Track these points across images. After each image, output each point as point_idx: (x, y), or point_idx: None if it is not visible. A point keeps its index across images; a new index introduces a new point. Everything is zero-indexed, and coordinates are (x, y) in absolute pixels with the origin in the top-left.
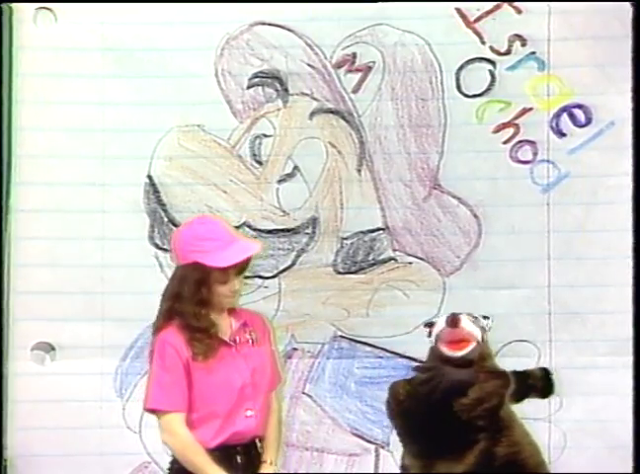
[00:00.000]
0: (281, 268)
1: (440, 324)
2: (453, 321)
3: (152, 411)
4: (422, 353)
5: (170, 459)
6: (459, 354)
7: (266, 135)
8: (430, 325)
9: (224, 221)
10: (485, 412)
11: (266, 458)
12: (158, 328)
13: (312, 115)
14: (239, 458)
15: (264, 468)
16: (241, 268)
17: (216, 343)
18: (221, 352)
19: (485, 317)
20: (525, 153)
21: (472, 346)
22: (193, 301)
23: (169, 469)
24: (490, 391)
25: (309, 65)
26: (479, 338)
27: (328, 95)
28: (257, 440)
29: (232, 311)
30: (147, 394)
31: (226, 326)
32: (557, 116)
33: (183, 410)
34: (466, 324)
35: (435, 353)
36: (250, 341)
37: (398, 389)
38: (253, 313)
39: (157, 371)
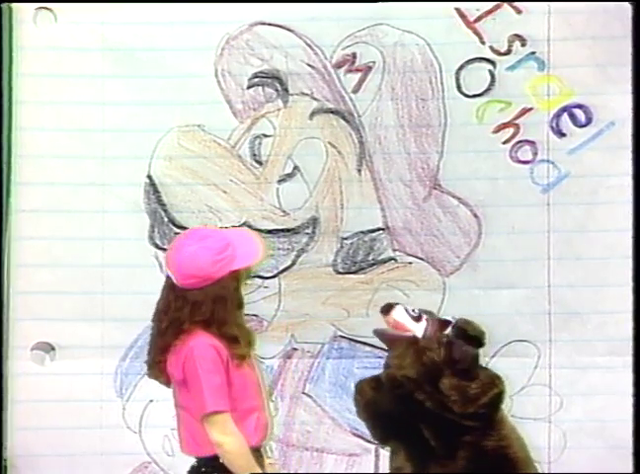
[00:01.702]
0: (281, 268)
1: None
2: (384, 309)
3: (208, 415)
4: None
5: (192, 465)
6: (386, 326)
7: (266, 135)
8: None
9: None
10: (491, 400)
11: (266, 457)
12: (182, 338)
13: (312, 115)
14: (261, 459)
15: (269, 468)
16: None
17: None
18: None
19: (447, 321)
20: (525, 153)
21: (405, 333)
22: (234, 309)
23: None
24: (493, 376)
25: (309, 65)
26: (417, 333)
27: (328, 95)
28: None
29: None
30: (202, 398)
31: None
32: (557, 116)
33: (229, 409)
34: (400, 314)
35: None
36: None
37: (362, 385)
38: None
39: (206, 374)
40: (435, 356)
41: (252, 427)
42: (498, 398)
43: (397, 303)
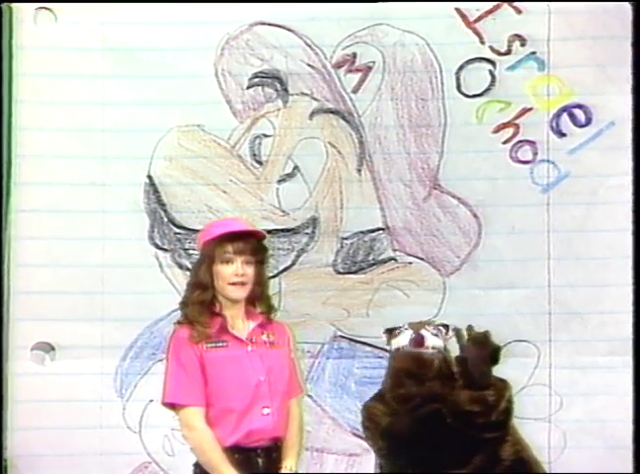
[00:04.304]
0: (281, 268)
1: (404, 340)
2: (418, 342)
3: (171, 405)
4: None
5: (193, 462)
6: (420, 349)
7: (266, 135)
8: (390, 332)
9: (246, 220)
10: (507, 403)
11: (285, 464)
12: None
13: (312, 115)
14: (260, 461)
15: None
16: (244, 249)
17: (225, 337)
18: (235, 348)
19: (444, 325)
20: (525, 153)
21: (434, 350)
22: (189, 285)
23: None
24: (501, 379)
25: (309, 65)
26: (442, 345)
27: (328, 95)
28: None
29: (251, 315)
30: (165, 389)
31: (243, 326)
32: (557, 116)
33: (201, 404)
34: (430, 340)
35: (393, 359)
36: (267, 343)
37: (373, 410)
38: (275, 320)
39: (173, 366)
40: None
41: (229, 428)
42: (511, 401)
43: (422, 328)
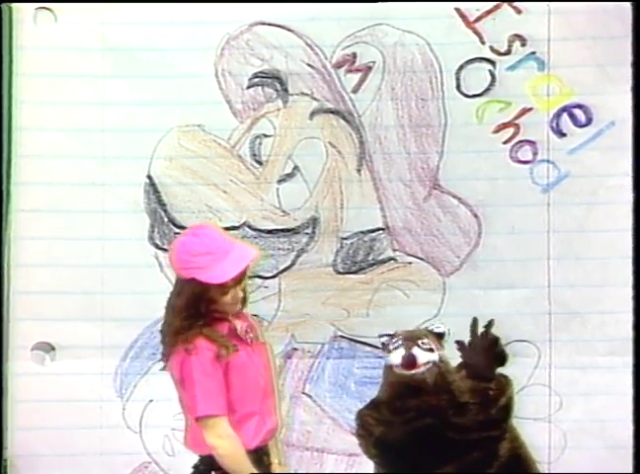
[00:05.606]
0: (281, 268)
1: (396, 359)
2: (409, 364)
3: (201, 418)
4: None
5: (193, 464)
6: (411, 372)
7: (266, 135)
8: (384, 345)
9: (217, 228)
10: (508, 400)
11: (274, 459)
12: (181, 341)
13: (312, 115)
14: (265, 459)
15: (275, 468)
16: (240, 278)
17: (234, 340)
18: (244, 350)
19: (440, 334)
20: (525, 153)
21: (427, 366)
22: (182, 316)
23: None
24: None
25: (309, 65)
26: (436, 359)
27: (328, 95)
28: None
29: (236, 313)
30: (194, 402)
31: (239, 327)
32: (557, 116)
33: (226, 413)
34: (422, 358)
35: (388, 373)
36: (253, 339)
37: (366, 418)
38: (242, 313)
39: (200, 378)
40: (457, 378)
41: (251, 431)
42: (512, 397)
43: (410, 349)
